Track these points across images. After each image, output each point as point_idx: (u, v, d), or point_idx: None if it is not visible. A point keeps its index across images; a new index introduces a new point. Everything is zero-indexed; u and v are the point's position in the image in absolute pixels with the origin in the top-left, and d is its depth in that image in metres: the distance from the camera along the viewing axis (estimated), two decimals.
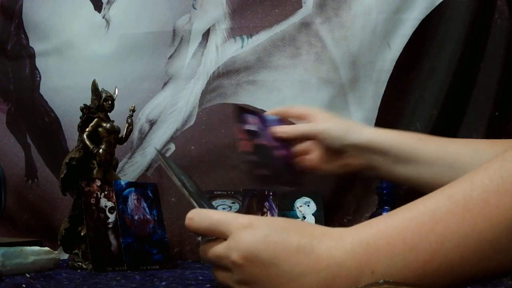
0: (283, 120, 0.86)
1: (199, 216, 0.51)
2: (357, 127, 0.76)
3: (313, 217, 1.14)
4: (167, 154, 1.26)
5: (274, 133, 0.81)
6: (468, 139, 0.71)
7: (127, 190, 1.04)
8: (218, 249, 0.48)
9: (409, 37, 1.18)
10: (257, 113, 0.88)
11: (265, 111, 1.21)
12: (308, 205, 1.15)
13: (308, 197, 1.15)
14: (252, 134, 0.83)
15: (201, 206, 0.55)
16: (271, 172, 0.82)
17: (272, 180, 0.84)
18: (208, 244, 0.50)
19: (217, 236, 0.49)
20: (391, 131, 0.74)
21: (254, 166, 0.83)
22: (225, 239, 0.48)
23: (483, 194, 0.40)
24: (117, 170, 1.14)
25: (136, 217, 1.03)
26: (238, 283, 0.47)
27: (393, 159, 0.71)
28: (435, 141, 0.71)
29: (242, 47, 1.24)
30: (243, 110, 0.88)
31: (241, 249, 0.45)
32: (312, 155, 0.81)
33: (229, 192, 1.16)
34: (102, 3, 1.32)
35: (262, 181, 0.89)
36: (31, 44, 1.36)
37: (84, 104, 1.06)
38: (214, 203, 1.14)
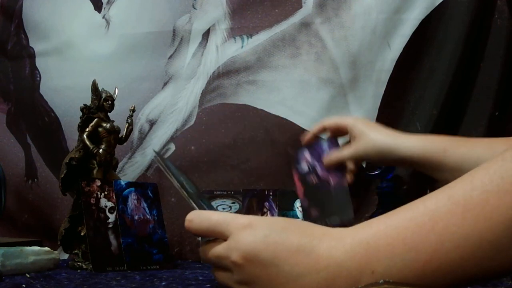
0: (333, 140, 0.90)
1: (198, 218, 0.50)
2: (388, 146, 0.80)
3: None
4: (167, 154, 1.26)
5: (325, 164, 0.87)
6: (489, 140, 0.74)
7: (127, 190, 1.04)
8: (218, 249, 0.48)
9: (409, 37, 1.18)
10: (308, 145, 0.92)
11: (265, 111, 1.23)
12: None
13: None
14: (304, 175, 0.90)
15: (200, 207, 0.55)
16: (320, 211, 0.87)
17: (322, 218, 0.87)
18: (208, 244, 0.50)
19: (217, 237, 0.49)
20: (418, 141, 0.78)
21: (306, 212, 0.90)
22: (225, 240, 0.48)
23: (483, 194, 0.40)
24: (117, 170, 1.14)
25: (136, 217, 1.03)
26: (238, 283, 0.47)
27: (420, 168, 0.78)
28: (458, 150, 0.75)
29: (242, 47, 1.24)
30: (298, 147, 0.92)
31: (241, 249, 0.45)
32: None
33: (229, 192, 1.16)
34: (102, 3, 1.32)
35: (314, 221, 0.90)
36: (31, 44, 1.36)
37: (84, 104, 1.06)
38: (214, 203, 1.14)
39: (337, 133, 0.88)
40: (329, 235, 0.45)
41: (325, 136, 0.91)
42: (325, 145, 0.90)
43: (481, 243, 0.40)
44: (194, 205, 0.55)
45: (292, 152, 0.92)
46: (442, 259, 0.40)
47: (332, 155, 0.86)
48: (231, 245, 0.46)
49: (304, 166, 0.90)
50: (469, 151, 0.74)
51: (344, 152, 0.85)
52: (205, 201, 0.60)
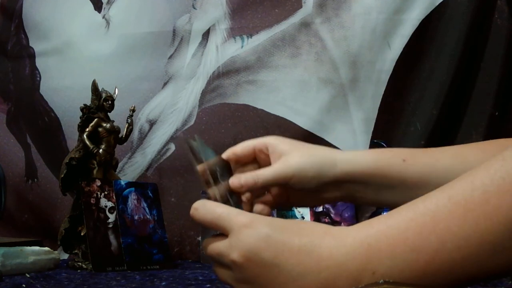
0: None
1: (204, 208, 0.50)
2: (330, 159, 0.60)
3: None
4: (167, 154, 1.26)
5: (231, 188, 0.59)
6: (456, 148, 0.61)
7: (127, 190, 1.04)
8: (219, 246, 0.48)
9: (409, 37, 1.18)
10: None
11: (265, 111, 1.23)
12: None
13: None
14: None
15: (224, 201, 0.53)
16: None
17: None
18: (211, 239, 0.50)
19: (218, 230, 0.49)
20: (370, 153, 0.62)
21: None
22: (226, 235, 0.48)
23: (484, 194, 0.40)
24: (117, 170, 1.14)
25: (136, 217, 1.03)
26: (238, 281, 0.46)
27: (376, 186, 0.60)
28: (420, 159, 0.60)
29: (242, 47, 1.24)
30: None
31: (242, 248, 0.45)
32: (279, 196, 0.63)
33: None
34: (102, 3, 1.32)
35: None
36: (31, 44, 1.36)
37: (84, 104, 1.06)
38: None
39: (246, 160, 0.63)
40: (331, 234, 0.45)
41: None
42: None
43: (482, 243, 0.40)
44: (218, 197, 0.54)
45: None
46: (443, 260, 0.40)
47: (245, 177, 0.59)
48: (232, 243, 0.46)
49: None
50: (435, 162, 0.59)
51: (266, 172, 0.59)
52: (235, 197, 0.56)
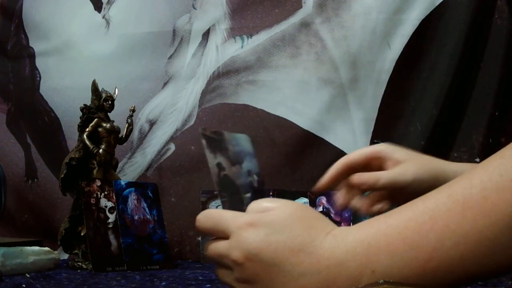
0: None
1: (204, 217, 0.51)
2: (442, 170, 0.64)
3: None
4: (167, 154, 1.26)
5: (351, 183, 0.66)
6: None
7: (127, 190, 1.04)
8: (220, 247, 0.48)
9: (409, 37, 1.18)
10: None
11: (265, 111, 1.23)
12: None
13: (306, 197, 1.15)
14: None
15: (233, 201, 0.52)
16: None
17: None
18: (212, 241, 0.50)
19: (219, 235, 0.49)
20: (464, 164, 0.67)
21: None
22: (227, 238, 0.48)
23: (482, 192, 0.40)
24: (117, 170, 1.14)
25: (136, 217, 1.03)
26: (238, 281, 0.46)
27: None
28: None
29: (242, 47, 1.24)
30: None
31: (242, 248, 0.45)
32: (386, 196, 0.67)
33: None
34: (102, 3, 1.32)
35: None
36: (31, 44, 1.36)
37: (84, 104, 1.06)
38: (214, 203, 1.14)
39: (365, 168, 0.67)
40: (332, 234, 0.45)
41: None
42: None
43: (481, 240, 0.40)
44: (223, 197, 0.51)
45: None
46: (442, 258, 0.40)
47: (367, 175, 0.65)
48: (232, 243, 0.46)
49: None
50: None
51: (388, 174, 0.64)
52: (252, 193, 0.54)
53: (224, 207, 0.52)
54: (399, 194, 0.64)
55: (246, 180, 0.55)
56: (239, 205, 0.51)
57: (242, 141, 0.58)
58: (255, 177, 0.56)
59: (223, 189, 0.52)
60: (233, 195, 0.53)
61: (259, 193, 0.55)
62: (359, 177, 0.65)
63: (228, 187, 0.53)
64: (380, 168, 0.66)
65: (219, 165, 0.53)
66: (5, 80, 1.39)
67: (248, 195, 0.54)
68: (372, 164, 0.66)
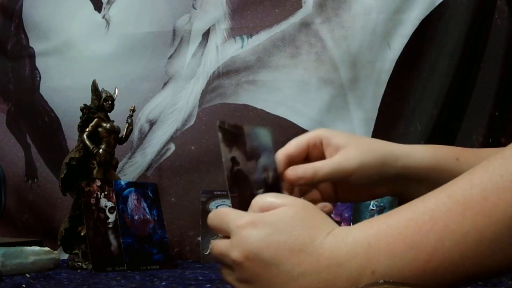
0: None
1: (213, 214, 0.51)
2: (391, 153, 0.57)
3: None
4: (167, 154, 1.26)
5: (285, 180, 0.56)
6: (492, 152, 0.57)
7: (127, 190, 1.04)
8: (221, 246, 0.48)
9: (409, 37, 1.17)
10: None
11: (265, 111, 1.23)
12: None
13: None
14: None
15: (242, 199, 0.49)
16: None
17: None
18: (216, 240, 0.50)
19: (221, 234, 0.49)
20: (428, 149, 0.59)
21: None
22: (228, 237, 0.48)
23: (482, 192, 0.40)
24: (117, 170, 1.14)
25: (136, 217, 1.03)
26: (239, 281, 0.47)
27: (430, 183, 0.55)
28: (471, 159, 0.58)
29: (242, 47, 1.24)
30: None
31: (242, 247, 0.45)
32: (327, 192, 0.60)
33: None
34: (102, 3, 1.32)
35: None
36: (31, 44, 1.36)
37: (84, 104, 1.06)
38: (214, 203, 1.14)
39: (307, 160, 0.58)
40: (332, 234, 0.45)
41: None
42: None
43: (481, 240, 0.40)
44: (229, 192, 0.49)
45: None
46: (442, 258, 0.40)
47: (303, 168, 0.55)
48: (233, 243, 0.46)
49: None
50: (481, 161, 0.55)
51: (326, 165, 0.55)
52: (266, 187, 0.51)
53: (233, 204, 0.50)
54: (344, 184, 0.57)
55: (261, 176, 0.52)
56: (250, 202, 0.49)
57: (262, 135, 0.54)
58: (270, 174, 0.53)
59: (234, 184, 0.50)
60: (244, 191, 0.51)
61: (273, 190, 0.52)
62: (293, 172, 0.55)
63: (240, 183, 0.50)
64: (320, 157, 0.57)
65: (233, 159, 0.51)
66: (5, 80, 1.39)
67: (261, 191, 0.51)
68: (312, 154, 0.58)
